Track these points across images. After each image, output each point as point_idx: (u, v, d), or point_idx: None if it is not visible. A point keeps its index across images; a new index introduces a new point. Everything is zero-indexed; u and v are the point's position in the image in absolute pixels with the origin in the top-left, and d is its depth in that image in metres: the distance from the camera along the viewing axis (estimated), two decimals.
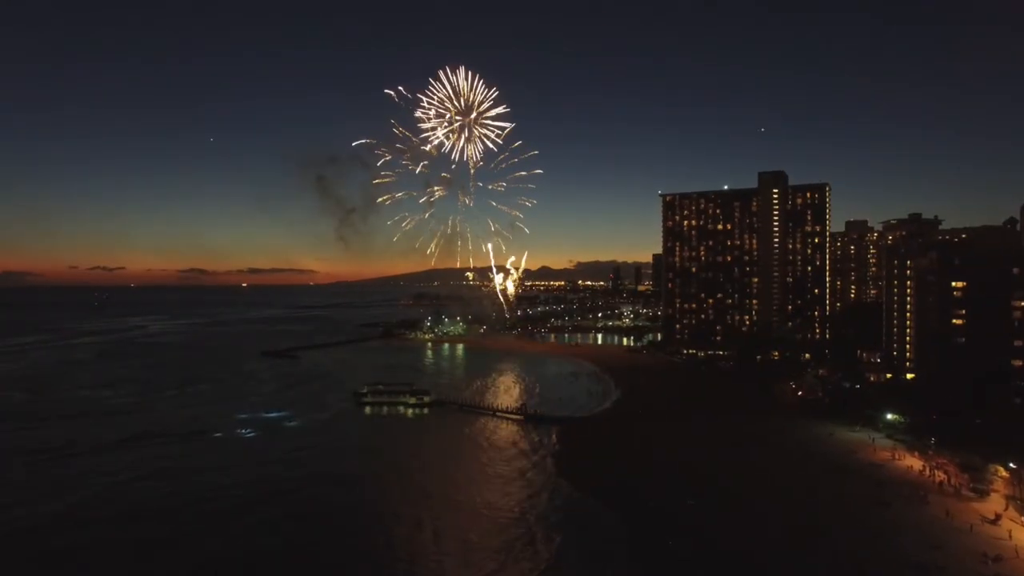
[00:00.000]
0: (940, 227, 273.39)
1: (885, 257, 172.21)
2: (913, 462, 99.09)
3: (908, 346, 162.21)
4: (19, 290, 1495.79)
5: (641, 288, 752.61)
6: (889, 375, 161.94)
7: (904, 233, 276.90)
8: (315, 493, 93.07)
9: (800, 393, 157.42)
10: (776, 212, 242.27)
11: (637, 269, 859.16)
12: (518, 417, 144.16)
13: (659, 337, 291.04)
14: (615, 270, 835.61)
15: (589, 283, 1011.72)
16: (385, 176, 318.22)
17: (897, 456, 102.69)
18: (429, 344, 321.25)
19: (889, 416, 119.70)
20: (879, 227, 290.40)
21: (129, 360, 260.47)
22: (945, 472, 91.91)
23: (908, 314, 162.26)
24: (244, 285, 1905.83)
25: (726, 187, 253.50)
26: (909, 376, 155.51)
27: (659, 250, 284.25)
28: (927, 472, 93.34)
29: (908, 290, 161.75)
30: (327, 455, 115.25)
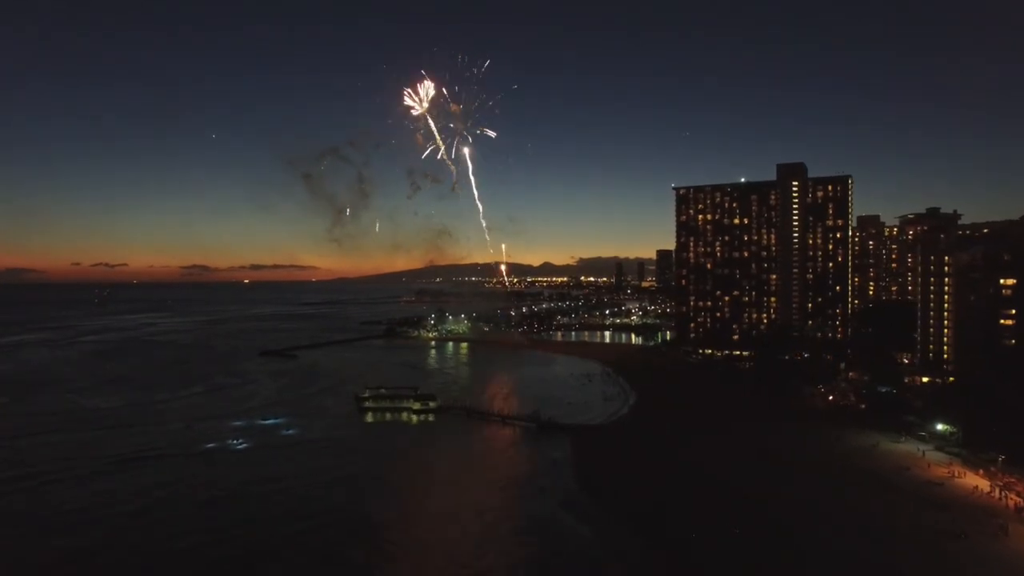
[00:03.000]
0: (959, 222, 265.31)
1: (920, 253, 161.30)
2: (976, 481, 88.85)
3: (946, 347, 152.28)
4: (20, 287, 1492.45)
5: (645, 284, 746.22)
6: (926, 379, 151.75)
7: (925, 227, 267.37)
8: (333, 538, 76.98)
9: (831, 398, 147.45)
10: (796, 206, 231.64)
11: (640, 265, 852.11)
12: (530, 424, 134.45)
13: (669, 336, 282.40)
14: (618, 266, 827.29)
15: (592, 279, 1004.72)
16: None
17: (956, 473, 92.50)
18: (433, 343, 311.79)
19: (939, 426, 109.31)
20: (895, 222, 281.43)
21: (122, 359, 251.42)
22: (1019, 495, 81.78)
23: (946, 313, 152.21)
24: (246, 282, 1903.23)
25: (743, 180, 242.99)
26: (949, 380, 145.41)
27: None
28: (996, 494, 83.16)
29: (946, 288, 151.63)
30: (332, 479, 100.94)
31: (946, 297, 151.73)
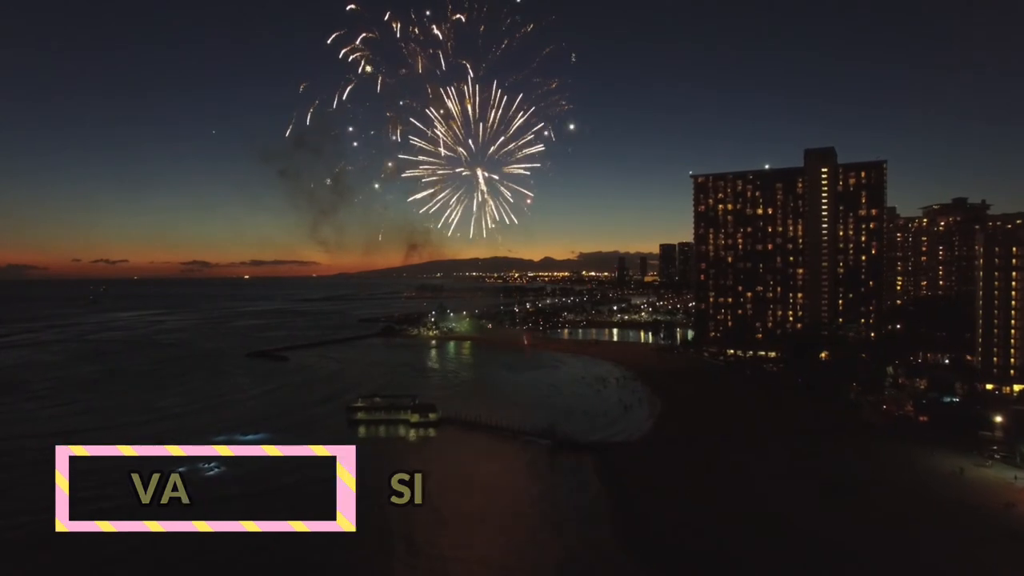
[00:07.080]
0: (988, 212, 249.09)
1: (984, 244, 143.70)
2: None
3: (1012, 349, 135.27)
4: (18, 283, 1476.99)
5: (647, 279, 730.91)
6: (990, 386, 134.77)
7: (958, 218, 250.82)
8: None
9: (885, 407, 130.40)
10: (825, 193, 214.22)
11: (642, 260, 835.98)
12: (544, 441, 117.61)
13: (682, 334, 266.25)
14: (620, 261, 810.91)
15: (593, 273, 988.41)
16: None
17: None
18: (433, 341, 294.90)
19: None
20: (910, 213, 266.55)
21: (102, 361, 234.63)
22: None
23: (1013, 311, 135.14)
24: (246, 277, 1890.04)
25: (767, 167, 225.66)
26: (1017, 387, 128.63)
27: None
28: None
29: (1013, 283, 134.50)
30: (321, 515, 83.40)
31: (1013, 293, 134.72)
